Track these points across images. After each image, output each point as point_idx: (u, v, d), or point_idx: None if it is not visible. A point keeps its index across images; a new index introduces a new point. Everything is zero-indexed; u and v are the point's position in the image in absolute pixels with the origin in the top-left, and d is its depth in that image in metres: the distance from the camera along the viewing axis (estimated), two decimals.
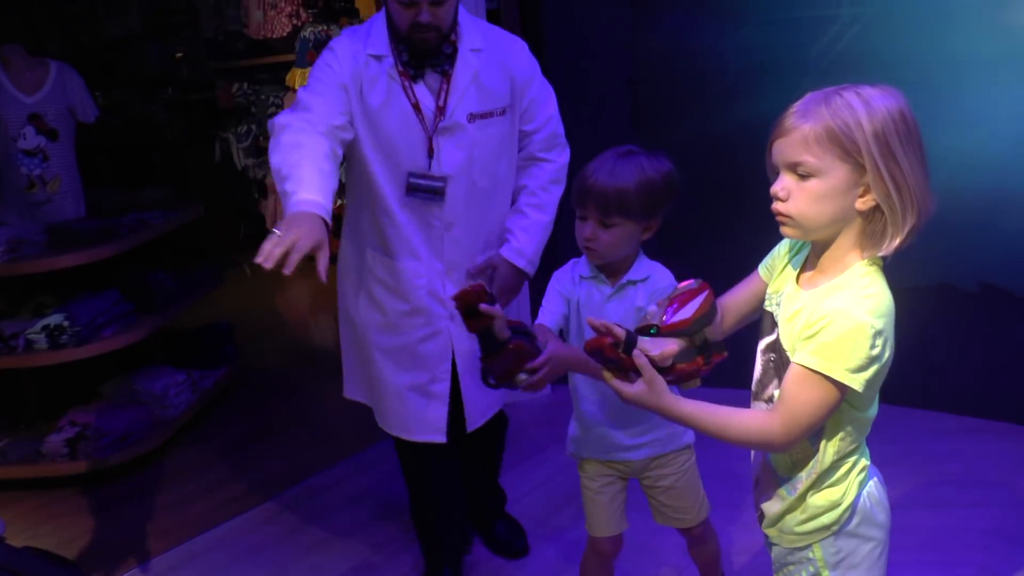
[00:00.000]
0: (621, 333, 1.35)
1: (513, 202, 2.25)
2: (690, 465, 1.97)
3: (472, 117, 2.06)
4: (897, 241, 1.22)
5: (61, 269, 3.22)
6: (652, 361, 1.34)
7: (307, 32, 6.09)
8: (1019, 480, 2.82)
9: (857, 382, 1.20)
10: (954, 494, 2.74)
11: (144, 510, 2.99)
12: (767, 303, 1.40)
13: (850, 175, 1.20)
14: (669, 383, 1.33)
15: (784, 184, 1.24)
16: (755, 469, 1.46)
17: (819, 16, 3.26)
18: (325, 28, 6.05)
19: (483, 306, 1.48)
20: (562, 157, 2.26)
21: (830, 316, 1.20)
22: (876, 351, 1.20)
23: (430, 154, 2.05)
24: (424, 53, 2.01)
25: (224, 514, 2.91)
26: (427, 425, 2.23)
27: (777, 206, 1.26)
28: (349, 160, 2.11)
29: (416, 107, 2.03)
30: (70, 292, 3.37)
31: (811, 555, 1.36)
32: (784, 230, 1.28)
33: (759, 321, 1.43)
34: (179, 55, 7.16)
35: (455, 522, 2.43)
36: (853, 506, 1.34)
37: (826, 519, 1.34)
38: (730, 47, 3.39)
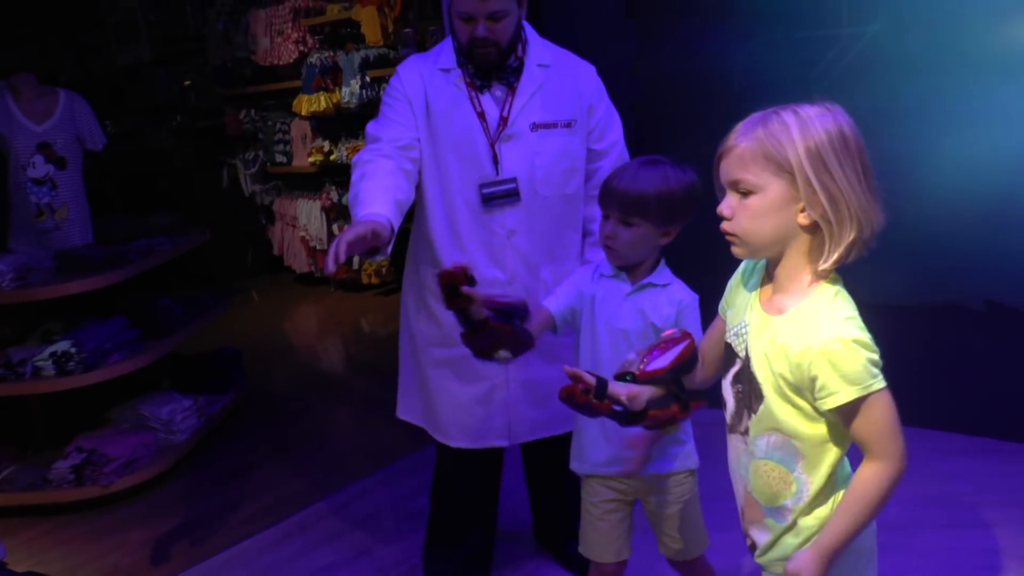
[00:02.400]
0: (592, 380, 1.43)
1: (587, 233, 2.28)
2: (690, 495, 1.94)
3: (535, 127, 2.12)
4: (837, 254, 1.23)
5: (68, 295, 3.24)
6: (622, 403, 1.43)
7: (314, 58, 6.16)
8: None
9: (881, 379, 1.23)
10: (964, 515, 2.72)
11: (150, 535, 2.99)
12: (727, 335, 1.41)
13: (786, 190, 1.23)
14: (646, 427, 1.45)
15: (728, 203, 1.28)
16: (739, 499, 1.45)
17: (822, 36, 3.28)
18: (331, 54, 6.12)
19: (464, 288, 1.55)
20: None
21: (821, 349, 1.22)
22: (876, 355, 1.23)
23: (495, 161, 2.10)
24: (488, 67, 2.08)
25: (230, 539, 2.90)
26: (490, 432, 2.26)
27: (723, 225, 1.29)
28: (416, 173, 2.16)
29: (481, 115, 2.10)
30: (78, 318, 3.39)
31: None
32: (734, 249, 1.31)
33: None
34: (188, 83, 7.25)
35: (474, 546, 2.43)
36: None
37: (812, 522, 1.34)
38: (733, 68, 3.41)
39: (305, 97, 6.19)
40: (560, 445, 2.43)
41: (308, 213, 6.38)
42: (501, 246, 2.15)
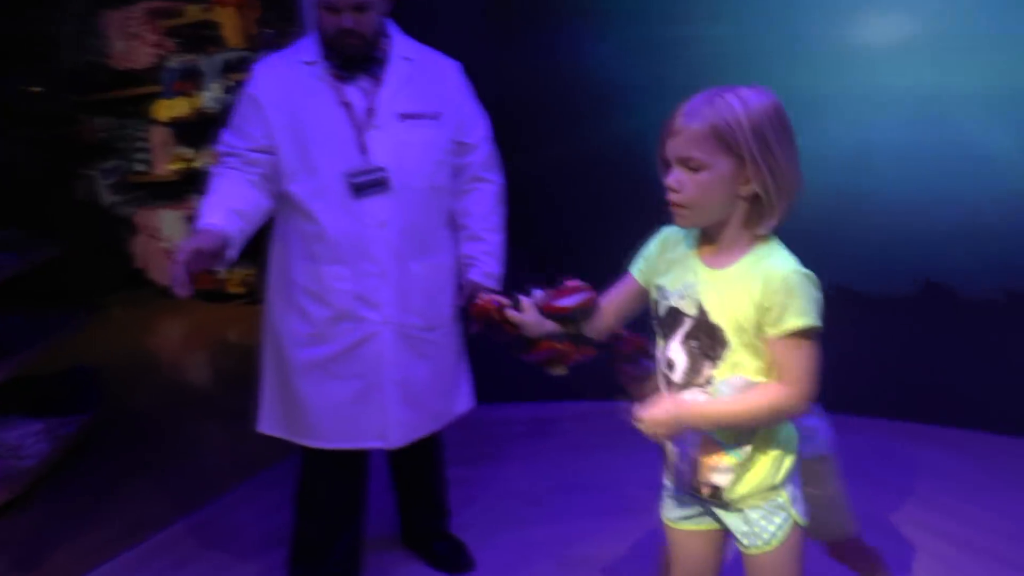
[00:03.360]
0: (506, 301, 1.59)
1: (460, 228, 2.31)
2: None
3: (403, 117, 2.14)
4: (775, 220, 1.40)
5: None
6: (521, 324, 1.56)
7: (173, 62, 5.94)
8: (876, 469, 2.95)
9: (819, 322, 1.38)
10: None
11: None
12: (669, 300, 1.50)
13: (733, 166, 1.37)
14: (536, 362, 1.59)
15: (677, 177, 1.41)
16: (690, 454, 1.51)
17: (674, 35, 3.38)
18: (192, 57, 5.91)
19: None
20: (500, 177, 2.36)
21: (782, 280, 1.36)
22: (819, 292, 1.39)
23: (363, 151, 2.09)
24: (353, 59, 2.11)
25: (86, 565, 2.74)
26: (365, 432, 2.23)
27: (672, 197, 1.42)
28: (275, 177, 2.14)
29: (347, 106, 2.10)
30: None
31: (780, 499, 1.49)
32: (679, 220, 1.45)
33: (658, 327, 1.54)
34: (36, 89, 6.85)
35: (343, 551, 2.39)
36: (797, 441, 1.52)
37: (788, 463, 1.49)
38: (588, 68, 3.47)
39: (165, 102, 5.98)
40: (428, 443, 2.43)
41: (171, 223, 6.15)
42: (372, 238, 2.12)
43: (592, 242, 3.38)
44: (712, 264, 1.46)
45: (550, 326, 1.57)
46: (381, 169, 2.10)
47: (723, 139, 1.36)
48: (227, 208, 2.02)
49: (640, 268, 1.58)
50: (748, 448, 1.46)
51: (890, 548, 2.48)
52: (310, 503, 2.39)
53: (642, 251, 1.58)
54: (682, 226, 1.48)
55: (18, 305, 3.70)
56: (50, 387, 3.78)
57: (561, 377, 1.65)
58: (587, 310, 1.55)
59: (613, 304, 1.61)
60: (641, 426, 1.43)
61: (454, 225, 2.33)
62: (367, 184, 2.10)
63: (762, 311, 1.38)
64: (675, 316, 1.48)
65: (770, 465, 1.47)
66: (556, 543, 2.60)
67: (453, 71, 2.28)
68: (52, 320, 3.75)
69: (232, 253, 2.02)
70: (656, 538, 1.79)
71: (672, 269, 1.51)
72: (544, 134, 3.51)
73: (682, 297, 1.47)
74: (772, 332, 1.38)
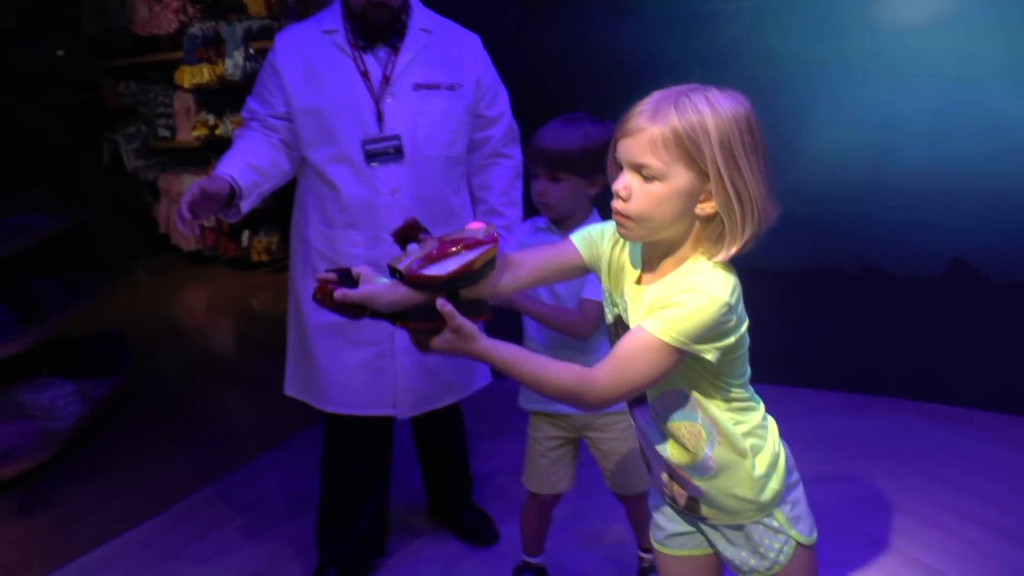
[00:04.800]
0: (333, 276, 1.27)
1: (479, 202, 2.33)
2: (629, 432, 2.01)
3: (418, 87, 2.14)
4: (735, 249, 1.22)
5: None
6: (356, 303, 1.24)
7: (195, 28, 5.93)
8: (903, 450, 2.96)
9: (710, 352, 1.22)
10: (842, 468, 2.86)
11: (31, 528, 2.86)
12: (613, 304, 1.39)
13: (694, 181, 1.20)
14: (418, 344, 1.27)
15: (626, 183, 1.24)
16: (660, 474, 1.45)
17: (702, 11, 3.35)
18: (213, 24, 5.91)
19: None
20: (519, 153, 2.36)
21: (684, 287, 1.21)
22: (729, 324, 1.22)
23: (379, 118, 2.11)
24: (376, 30, 2.12)
25: (117, 528, 2.80)
26: (378, 399, 2.24)
27: (617, 204, 1.25)
28: (294, 143, 2.18)
29: (365, 74, 2.12)
30: None
31: (775, 523, 1.39)
32: (621, 231, 1.27)
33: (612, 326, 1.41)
34: (61, 53, 6.86)
35: (369, 519, 2.41)
36: (787, 462, 1.40)
37: (775, 485, 1.37)
38: (615, 43, 3.45)
39: (188, 69, 5.98)
40: (448, 415, 2.45)
41: None
42: (386, 205, 2.14)
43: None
44: (644, 280, 1.31)
45: (417, 296, 1.24)
46: (395, 137, 2.12)
47: (685, 148, 1.18)
48: (243, 161, 2.05)
49: (585, 240, 1.39)
50: (714, 478, 1.35)
51: (918, 529, 2.50)
52: (334, 471, 2.42)
53: (590, 229, 1.40)
54: (625, 238, 1.31)
55: (43, 267, 3.73)
56: (80, 350, 3.82)
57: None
58: (471, 275, 1.24)
59: (538, 263, 1.40)
60: (424, 350, 1.26)
61: (472, 197, 2.35)
62: (380, 152, 2.12)
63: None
64: (617, 326, 1.38)
65: (748, 486, 1.35)
66: (575, 518, 2.62)
67: (473, 44, 2.27)
68: (83, 283, 3.79)
69: (244, 205, 2.04)
70: None
71: (618, 275, 1.37)
72: (567, 109, 3.49)
73: (623, 309, 1.35)
74: (644, 322, 1.23)
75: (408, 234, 1.32)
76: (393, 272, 1.25)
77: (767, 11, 3.24)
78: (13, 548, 2.75)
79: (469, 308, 1.25)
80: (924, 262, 3.23)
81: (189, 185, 1.99)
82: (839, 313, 3.41)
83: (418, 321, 1.24)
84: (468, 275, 1.24)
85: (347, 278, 1.28)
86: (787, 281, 3.26)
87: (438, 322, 1.23)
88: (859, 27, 3.14)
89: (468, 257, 1.23)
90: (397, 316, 1.26)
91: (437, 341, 1.24)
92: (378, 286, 1.27)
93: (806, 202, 3.12)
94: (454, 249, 1.24)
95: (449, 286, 1.24)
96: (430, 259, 1.23)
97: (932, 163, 3.13)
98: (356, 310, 1.26)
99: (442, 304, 1.22)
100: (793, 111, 3.19)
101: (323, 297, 1.27)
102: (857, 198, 3.24)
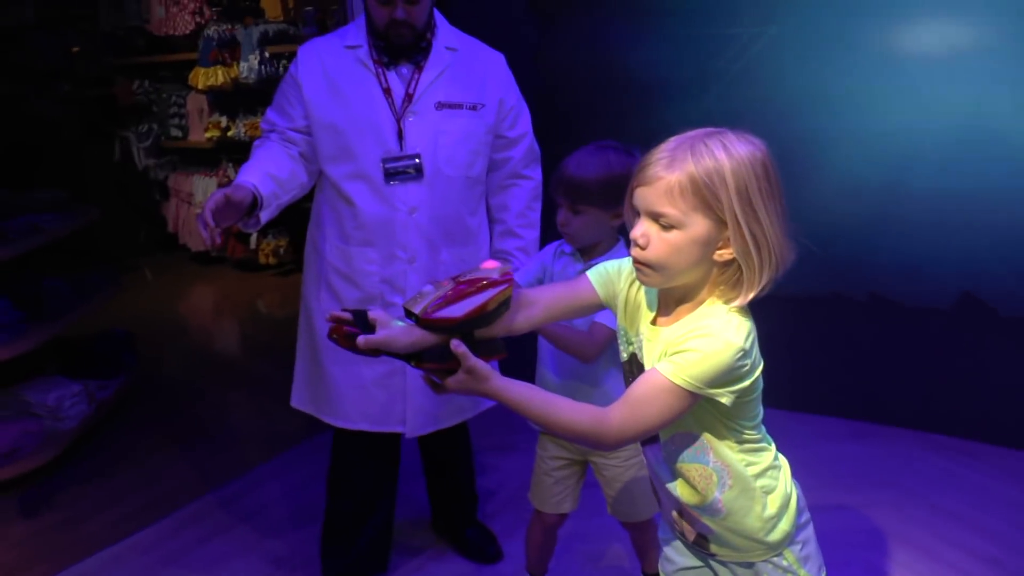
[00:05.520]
0: (348, 316, 1.29)
1: (496, 222, 2.32)
2: (635, 462, 2.01)
3: (440, 106, 2.13)
4: (752, 294, 1.23)
5: None
6: (375, 348, 1.25)
7: (211, 30, 5.96)
8: (904, 481, 2.96)
9: (725, 396, 1.23)
10: (845, 496, 2.86)
11: (35, 529, 2.87)
12: (628, 343, 1.40)
13: (711, 228, 1.21)
14: (432, 385, 1.29)
15: (644, 231, 1.24)
16: (670, 511, 1.46)
17: (721, 34, 3.36)
18: (229, 27, 5.93)
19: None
20: (539, 174, 2.35)
21: (700, 331, 1.22)
22: (743, 369, 1.23)
23: (399, 136, 2.11)
24: (400, 48, 2.11)
25: (119, 532, 2.81)
26: (389, 416, 2.24)
27: (636, 252, 1.26)
28: (313, 157, 2.18)
29: (387, 92, 2.11)
30: None
31: (785, 563, 1.39)
32: (641, 278, 1.28)
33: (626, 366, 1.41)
34: (76, 49, 6.89)
35: (373, 534, 2.42)
36: (798, 503, 1.40)
37: (785, 525, 1.37)
38: (633, 62, 3.46)
39: (202, 70, 5.99)
40: (456, 432, 2.46)
41: (204, 190, 6.20)
42: (403, 223, 2.14)
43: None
44: (660, 322, 1.32)
45: (432, 337, 1.26)
46: (415, 156, 2.11)
47: (703, 197, 1.18)
48: (263, 171, 2.05)
49: (601, 279, 1.41)
50: (724, 519, 1.36)
51: (918, 561, 2.51)
52: (341, 485, 2.43)
53: (607, 266, 1.42)
54: (644, 284, 1.31)
55: (52, 265, 3.74)
56: (86, 349, 3.83)
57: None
58: (485, 316, 1.25)
59: (553, 300, 1.41)
60: (438, 391, 1.28)
61: (490, 218, 2.35)
62: (399, 170, 2.11)
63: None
64: (631, 364, 1.39)
65: (759, 526, 1.36)
66: (581, 538, 2.63)
67: (497, 63, 2.26)
68: (91, 282, 3.80)
69: (264, 215, 2.04)
70: None
71: (634, 314, 1.38)
72: (586, 125, 3.51)
73: (638, 348, 1.37)
74: (659, 364, 1.23)
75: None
76: (409, 315, 1.27)
77: (786, 37, 3.25)
78: (15, 549, 2.76)
79: (484, 348, 1.26)
80: (933, 292, 3.23)
81: (200, 187, 2.01)
82: (846, 340, 3.41)
83: (432, 362, 1.26)
84: (482, 316, 1.25)
85: (362, 321, 1.29)
86: (794, 306, 3.26)
87: (452, 363, 1.24)
88: (876, 56, 3.14)
89: (482, 299, 1.25)
90: (412, 357, 1.27)
91: (451, 381, 1.25)
92: (394, 330, 1.28)
93: (816, 225, 3.18)
94: (469, 291, 1.25)
95: (463, 327, 1.25)
96: (445, 301, 1.24)
97: (945, 193, 3.12)
98: (372, 351, 1.28)
99: (456, 345, 1.23)
100: (807, 137, 3.19)
101: (338, 337, 1.29)
102: (868, 225, 3.24)
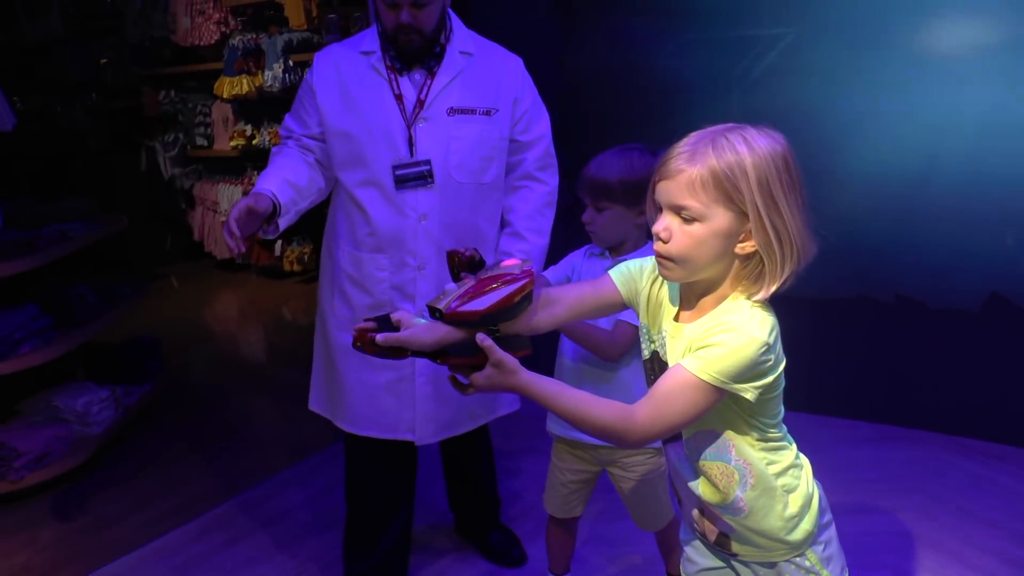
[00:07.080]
0: (372, 324, 1.29)
1: (504, 224, 2.27)
2: (653, 474, 2.01)
3: (452, 111, 2.12)
4: (774, 287, 1.23)
5: None
6: (398, 345, 1.26)
7: (236, 40, 6.01)
8: (931, 485, 2.92)
9: (749, 392, 1.23)
10: (871, 500, 2.83)
11: (63, 532, 2.91)
12: (650, 341, 1.40)
13: (733, 221, 1.22)
14: (457, 385, 1.30)
15: (667, 225, 1.25)
16: (690, 510, 1.46)
17: (744, 35, 3.35)
18: (254, 36, 5.98)
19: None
20: (554, 180, 2.31)
21: (724, 326, 1.22)
22: (767, 364, 1.23)
23: (410, 143, 2.10)
24: (411, 54, 2.10)
25: (146, 535, 2.84)
26: (399, 423, 2.23)
27: (658, 246, 1.27)
28: (328, 163, 2.20)
29: (399, 98, 2.10)
30: None
31: (807, 563, 1.39)
32: (664, 272, 1.29)
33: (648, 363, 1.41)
34: (103, 61, 6.99)
35: (392, 540, 2.42)
36: (820, 502, 1.40)
37: (807, 525, 1.37)
38: (659, 63, 3.46)
39: (227, 79, 6.05)
40: (476, 435, 2.45)
41: (230, 198, 6.25)
42: (413, 230, 2.13)
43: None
44: (682, 318, 1.33)
45: (457, 334, 1.27)
46: (426, 163, 2.10)
47: (724, 190, 1.19)
48: (281, 178, 2.07)
49: (623, 278, 1.41)
50: (745, 518, 1.36)
51: (946, 566, 2.48)
52: (356, 490, 2.43)
53: (629, 265, 1.43)
54: (667, 279, 1.33)
55: (80, 273, 3.79)
56: (114, 356, 3.87)
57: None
58: (508, 309, 1.26)
59: (576, 299, 1.42)
60: (468, 391, 1.29)
61: (501, 221, 2.31)
62: (410, 177, 2.11)
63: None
64: (653, 362, 1.39)
65: (780, 525, 1.35)
66: (604, 541, 2.62)
67: (514, 66, 2.22)
68: (118, 290, 3.85)
69: (283, 222, 2.06)
70: None
71: (656, 311, 1.39)
72: (609, 127, 3.52)
73: (660, 345, 1.37)
74: (684, 360, 1.24)
75: (465, 266, 1.34)
76: (433, 312, 1.28)
77: (808, 37, 3.23)
78: (45, 552, 2.80)
79: (508, 343, 1.27)
80: (960, 293, 3.19)
81: (225, 195, 2.03)
82: (871, 342, 3.38)
83: (459, 357, 1.26)
84: (506, 310, 1.26)
85: (386, 324, 1.31)
86: (818, 307, 3.24)
87: (479, 357, 1.25)
88: (901, 54, 3.11)
89: (505, 292, 1.26)
90: (438, 354, 1.28)
91: (479, 377, 1.26)
92: (417, 328, 1.30)
93: (841, 225, 3.15)
94: (492, 286, 1.26)
95: (488, 321, 1.26)
96: (468, 296, 1.25)
97: (973, 191, 3.08)
98: (398, 352, 1.29)
99: (482, 339, 1.24)
100: (831, 137, 3.17)
101: (363, 344, 1.30)
102: (894, 225, 3.21)
